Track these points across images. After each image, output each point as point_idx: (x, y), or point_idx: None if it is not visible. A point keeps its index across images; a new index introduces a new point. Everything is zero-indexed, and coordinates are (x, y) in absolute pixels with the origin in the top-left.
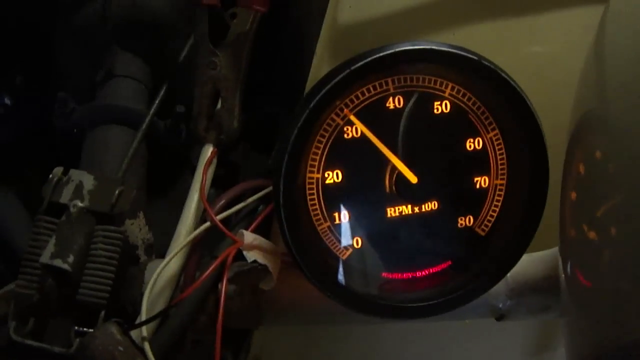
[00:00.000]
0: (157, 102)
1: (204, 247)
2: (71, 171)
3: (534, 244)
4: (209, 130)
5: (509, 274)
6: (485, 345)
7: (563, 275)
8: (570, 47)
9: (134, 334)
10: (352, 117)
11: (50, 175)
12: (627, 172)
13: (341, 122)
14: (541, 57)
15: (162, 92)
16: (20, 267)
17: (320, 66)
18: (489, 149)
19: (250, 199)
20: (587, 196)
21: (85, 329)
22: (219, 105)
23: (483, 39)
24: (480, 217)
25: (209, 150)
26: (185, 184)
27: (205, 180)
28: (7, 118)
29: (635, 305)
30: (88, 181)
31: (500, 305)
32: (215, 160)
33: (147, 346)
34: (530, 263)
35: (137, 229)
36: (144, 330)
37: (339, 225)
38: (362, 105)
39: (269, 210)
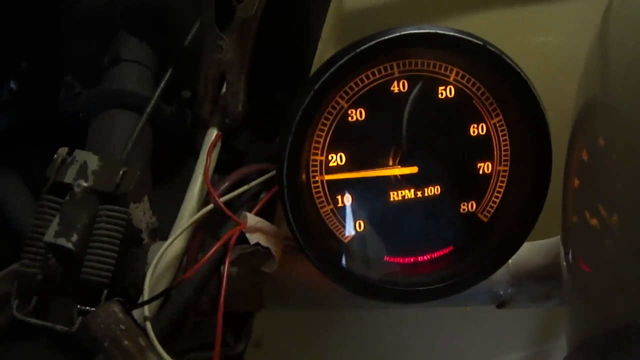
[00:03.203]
0: (162, 85)
1: (207, 230)
2: (76, 151)
3: (536, 233)
4: (214, 113)
5: (510, 261)
6: (488, 334)
7: (564, 263)
8: (575, 36)
9: (136, 313)
10: None
11: (55, 156)
12: (630, 159)
13: (346, 105)
14: (546, 45)
15: (167, 76)
16: (25, 246)
17: (325, 50)
18: (492, 134)
19: (254, 182)
20: (590, 182)
21: (87, 308)
22: (224, 89)
23: (489, 28)
24: (482, 203)
25: (213, 133)
26: (191, 170)
27: (209, 163)
28: (12, 102)
29: (636, 289)
30: (92, 161)
31: (502, 293)
32: (219, 144)
33: (148, 326)
34: (532, 251)
35: (142, 213)
36: (146, 310)
37: (342, 208)
38: (367, 88)
39: (273, 193)
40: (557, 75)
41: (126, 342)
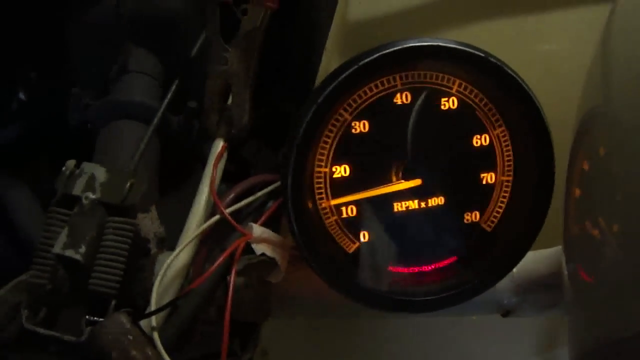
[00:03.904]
0: (168, 96)
1: (214, 241)
2: (83, 164)
3: (543, 243)
4: (220, 125)
5: (515, 270)
6: (493, 342)
7: (566, 272)
8: (579, 45)
9: (143, 324)
10: None
11: (63, 168)
12: (629, 169)
13: (349, 118)
14: (550, 54)
15: (173, 87)
16: (34, 257)
17: (330, 62)
18: (495, 145)
19: (259, 193)
20: (591, 193)
21: (96, 318)
22: (229, 101)
23: (493, 36)
24: (486, 213)
25: (219, 145)
26: (198, 179)
27: (215, 174)
28: (21, 113)
29: (636, 300)
30: (100, 173)
31: (506, 302)
32: (225, 155)
33: (156, 336)
34: (536, 260)
35: (149, 223)
36: (153, 320)
37: (347, 219)
38: (370, 101)
39: (278, 203)
40: (561, 83)
41: (134, 352)
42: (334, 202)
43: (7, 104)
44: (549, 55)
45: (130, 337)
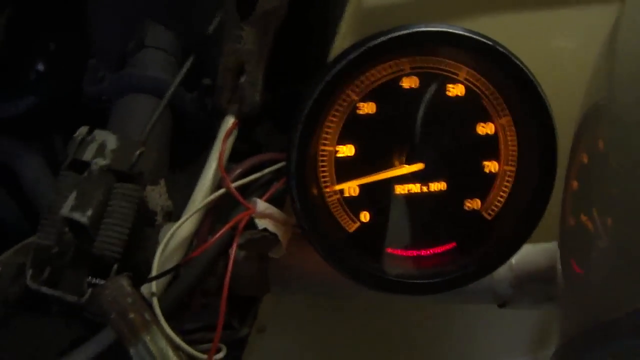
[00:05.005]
0: (182, 71)
1: (219, 215)
2: (96, 131)
3: (543, 237)
4: (232, 102)
5: (513, 261)
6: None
7: (559, 265)
8: (592, 43)
9: (144, 289)
10: None
11: (76, 134)
12: (627, 164)
13: (356, 98)
14: (561, 51)
15: (188, 63)
16: (42, 219)
17: (342, 45)
18: (500, 134)
19: (266, 170)
20: (588, 186)
21: (98, 281)
22: (243, 79)
23: (505, 29)
24: (487, 201)
25: (230, 121)
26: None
27: (224, 149)
28: (39, 83)
29: (623, 287)
30: (111, 141)
31: (504, 292)
32: (235, 132)
33: (155, 301)
34: (536, 252)
35: (157, 196)
36: (154, 286)
37: (348, 198)
38: (377, 83)
39: (283, 181)
40: (570, 80)
41: (132, 315)
42: (337, 187)
43: (26, 74)
44: (559, 52)
45: (130, 300)
